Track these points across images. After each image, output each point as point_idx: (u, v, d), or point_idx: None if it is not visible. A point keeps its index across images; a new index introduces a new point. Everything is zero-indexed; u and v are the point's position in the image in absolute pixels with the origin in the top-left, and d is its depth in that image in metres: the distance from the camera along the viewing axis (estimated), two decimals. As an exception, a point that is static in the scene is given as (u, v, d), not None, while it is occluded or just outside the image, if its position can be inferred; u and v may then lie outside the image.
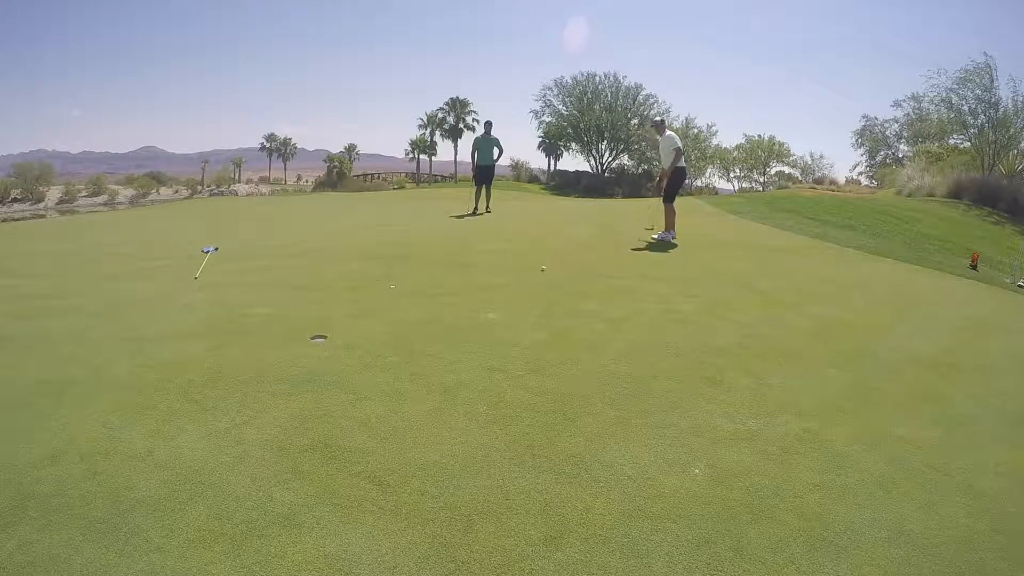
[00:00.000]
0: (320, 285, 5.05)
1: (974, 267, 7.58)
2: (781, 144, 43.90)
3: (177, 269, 5.79)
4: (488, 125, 11.02)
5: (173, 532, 1.81)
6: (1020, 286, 7.16)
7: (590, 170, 40.94)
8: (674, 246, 7.38)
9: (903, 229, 10.61)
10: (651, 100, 41.59)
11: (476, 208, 10.93)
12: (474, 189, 11.08)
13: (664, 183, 7.99)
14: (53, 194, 36.93)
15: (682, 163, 7.89)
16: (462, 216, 10.64)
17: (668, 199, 7.82)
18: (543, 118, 42.42)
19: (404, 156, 55.04)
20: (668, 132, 8.02)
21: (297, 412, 2.60)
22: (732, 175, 45.82)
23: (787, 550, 1.83)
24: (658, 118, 9.56)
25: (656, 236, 7.68)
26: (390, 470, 2.18)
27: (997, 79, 21.04)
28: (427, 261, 6.08)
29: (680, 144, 7.87)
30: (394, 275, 5.42)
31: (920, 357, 3.73)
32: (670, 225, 7.77)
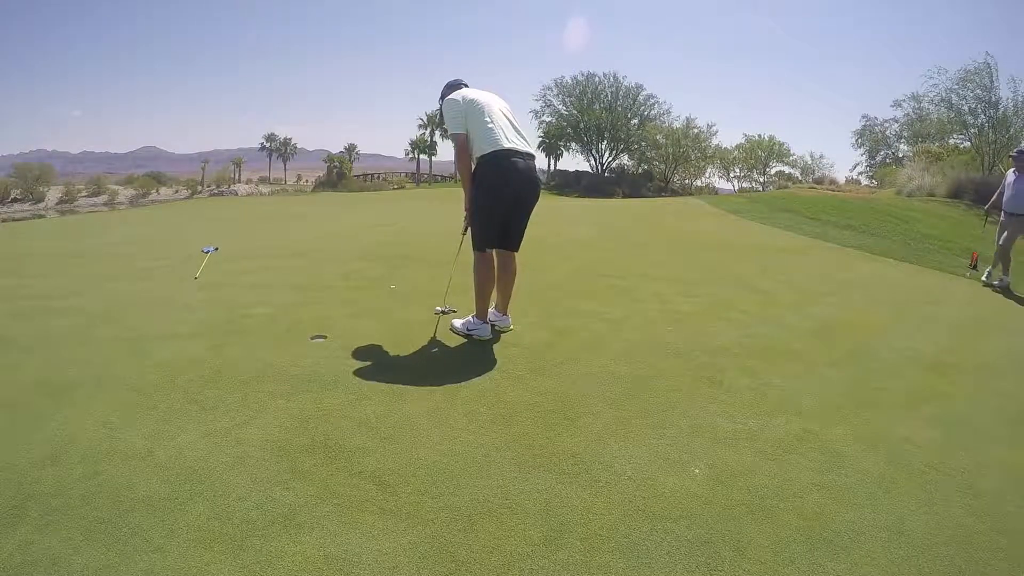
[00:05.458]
0: (320, 285, 5.05)
1: (974, 267, 7.57)
2: (781, 144, 43.93)
3: (177, 269, 5.79)
4: None
5: (173, 532, 1.81)
6: (984, 281, 6.92)
7: (590, 170, 40.99)
8: (674, 248, 7.34)
9: (903, 229, 10.61)
10: (651, 100, 41.55)
11: None
12: None
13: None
14: (53, 194, 36.94)
15: (490, 147, 3.29)
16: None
17: (476, 243, 3.50)
18: (543, 118, 42.50)
19: (404, 156, 55.15)
20: (455, 95, 3.42)
21: (297, 412, 2.60)
22: (732, 175, 45.81)
23: (787, 550, 1.83)
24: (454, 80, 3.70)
25: (455, 324, 3.70)
26: (390, 470, 2.18)
27: (997, 79, 21.07)
28: (427, 261, 6.07)
29: (459, 114, 3.34)
30: (394, 275, 5.42)
31: (920, 357, 3.73)
32: (482, 301, 3.55)
